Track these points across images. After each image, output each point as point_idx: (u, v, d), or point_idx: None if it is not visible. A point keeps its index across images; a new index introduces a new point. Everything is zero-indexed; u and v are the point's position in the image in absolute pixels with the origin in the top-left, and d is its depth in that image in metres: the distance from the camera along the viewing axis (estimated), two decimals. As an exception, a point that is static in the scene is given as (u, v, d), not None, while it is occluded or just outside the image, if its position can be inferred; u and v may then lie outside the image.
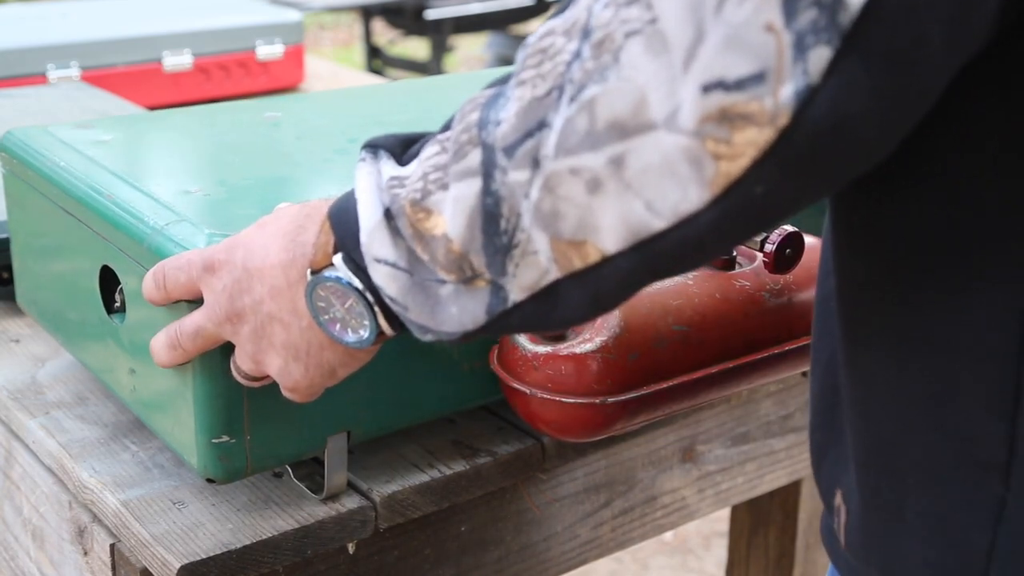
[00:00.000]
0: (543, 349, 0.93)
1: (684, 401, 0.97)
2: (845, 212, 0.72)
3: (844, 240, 0.73)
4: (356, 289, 0.75)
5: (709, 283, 0.99)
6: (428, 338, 0.74)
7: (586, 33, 0.59)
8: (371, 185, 0.73)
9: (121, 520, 0.96)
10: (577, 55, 0.59)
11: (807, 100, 0.56)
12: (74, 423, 1.08)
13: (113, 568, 0.98)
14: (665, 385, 0.95)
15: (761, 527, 1.60)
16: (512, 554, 1.12)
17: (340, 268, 0.76)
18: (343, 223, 0.76)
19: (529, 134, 0.62)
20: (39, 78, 1.92)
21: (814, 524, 1.56)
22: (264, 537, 0.94)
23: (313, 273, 0.78)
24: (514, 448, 1.07)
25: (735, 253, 1.03)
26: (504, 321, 0.69)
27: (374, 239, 0.72)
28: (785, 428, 1.33)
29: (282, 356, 0.83)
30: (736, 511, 1.66)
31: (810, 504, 1.54)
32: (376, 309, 0.76)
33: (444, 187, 0.67)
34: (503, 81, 0.66)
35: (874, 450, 0.73)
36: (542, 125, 0.61)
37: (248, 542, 0.93)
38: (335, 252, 0.77)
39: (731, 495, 1.32)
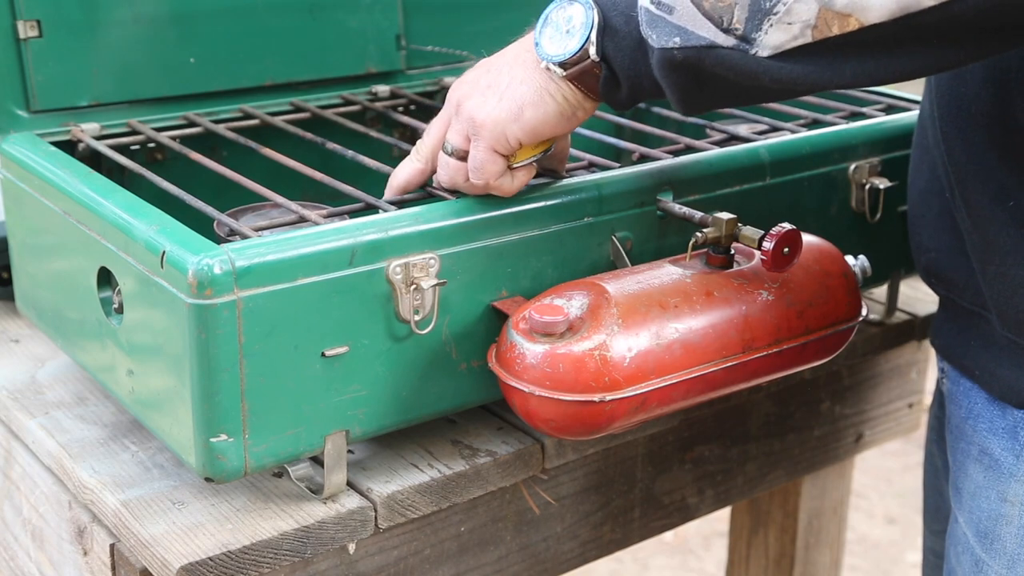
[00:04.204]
0: (541, 347, 0.93)
1: (682, 400, 0.97)
2: None
3: None
4: (584, 7, 0.92)
5: (707, 281, 0.99)
6: (673, 42, 0.87)
7: None
8: None
9: (121, 520, 0.96)
10: None
11: None
12: (74, 423, 1.08)
13: (113, 568, 0.98)
14: (663, 383, 0.95)
15: (761, 527, 1.60)
16: (512, 554, 1.12)
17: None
18: None
19: None
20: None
21: (814, 524, 1.56)
22: (264, 537, 0.94)
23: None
24: (514, 448, 1.07)
25: (733, 251, 1.03)
26: (745, 59, 0.85)
27: None
28: (785, 428, 1.33)
29: (482, 93, 0.96)
30: (736, 511, 1.66)
31: (810, 504, 1.54)
32: (594, 24, 0.92)
33: None
34: None
35: None
36: None
37: (248, 542, 0.93)
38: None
39: (731, 495, 1.32)
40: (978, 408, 1.05)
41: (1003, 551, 1.03)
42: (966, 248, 1.03)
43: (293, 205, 1.03)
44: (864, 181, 1.22)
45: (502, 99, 0.95)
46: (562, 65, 0.93)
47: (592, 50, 0.92)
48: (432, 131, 1.02)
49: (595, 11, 0.92)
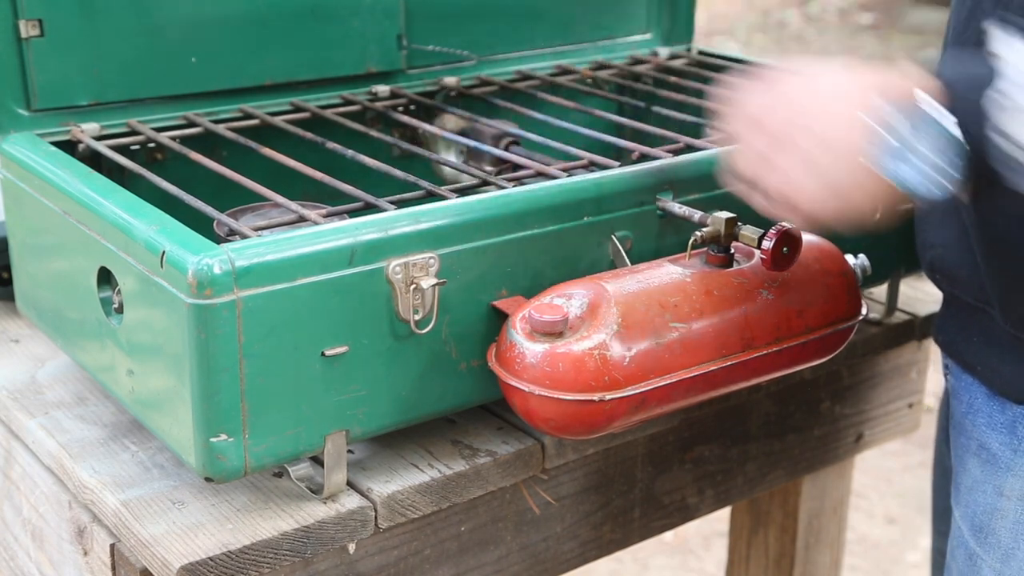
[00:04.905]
0: (541, 346, 0.93)
1: (682, 399, 0.97)
2: None
3: None
4: (948, 129, 0.84)
5: (707, 280, 0.99)
6: None
7: None
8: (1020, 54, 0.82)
9: (121, 520, 0.96)
10: None
11: None
12: (74, 423, 1.08)
13: (113, 568, 0.98)
14: (663, 383, 0.95)
15: (761, 527, 1.60)
16: (512, 554, 1.12)
17: (931, 104, 0.84)
18: (958, 79, 0.84)
19: None
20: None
21: (814, 524, 1.56)
22: (264, 537, 0.94)
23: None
24: (514, 448, 1.07)
25: (733, 250, 1.03)
26: None
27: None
28: (785, 428, 1.33)
29: (799, 166, 0.88)
30: (736, 511, 1.66)
31: (810, 504, 1.54)
32: (960, 161, 0.84)
33: None
34: None
35: None
36: None
37: (248, 542, 0.93)
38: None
39: (731, 495, 1.32)
40: (978, 403, 1.06)
41: (997, 545, 1.04)
42: (971, 243, 1.04)
43: (293, 205, 1.03)
44: (864, 181, 1.22)
45: (822, 188, 0.88)
46: (907, 188, 0.86)
47: (952, 186, 0.86)
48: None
49: (961, 142, 0.85)
